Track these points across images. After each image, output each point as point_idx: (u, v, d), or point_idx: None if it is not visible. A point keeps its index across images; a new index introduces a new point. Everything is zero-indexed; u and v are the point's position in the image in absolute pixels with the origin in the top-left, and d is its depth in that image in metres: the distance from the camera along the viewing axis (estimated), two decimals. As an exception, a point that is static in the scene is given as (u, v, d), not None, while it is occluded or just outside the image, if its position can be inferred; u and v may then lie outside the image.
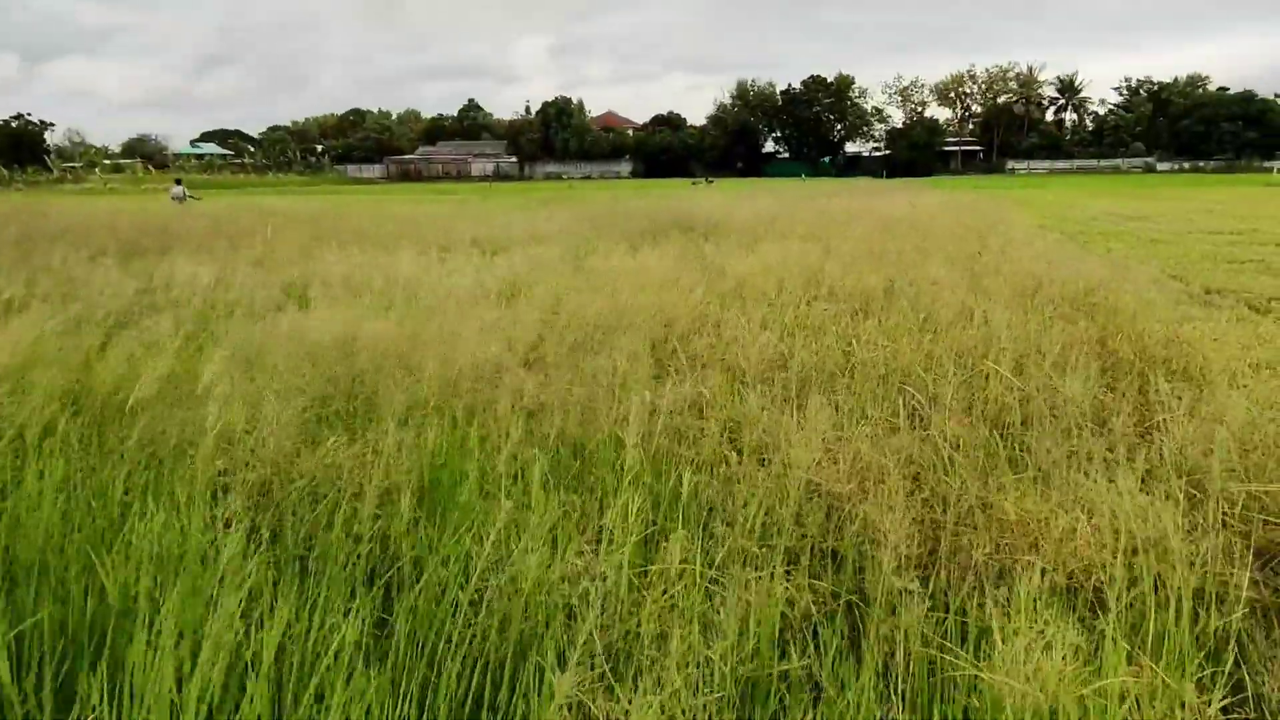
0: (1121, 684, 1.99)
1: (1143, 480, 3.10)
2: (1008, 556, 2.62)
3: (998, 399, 3.97)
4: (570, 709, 1.70)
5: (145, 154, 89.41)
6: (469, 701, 1.82)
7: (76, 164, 77.46)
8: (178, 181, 29.62)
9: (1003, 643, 2.08)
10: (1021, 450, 3.42)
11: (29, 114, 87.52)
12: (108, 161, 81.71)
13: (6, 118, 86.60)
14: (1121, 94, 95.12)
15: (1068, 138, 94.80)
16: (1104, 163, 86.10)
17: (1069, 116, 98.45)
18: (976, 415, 3.80)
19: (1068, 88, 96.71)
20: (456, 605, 1.99)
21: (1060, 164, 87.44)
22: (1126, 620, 2.35)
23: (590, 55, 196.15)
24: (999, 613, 2.27)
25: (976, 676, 2.05)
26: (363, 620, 1.83)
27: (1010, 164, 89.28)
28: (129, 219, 15.00)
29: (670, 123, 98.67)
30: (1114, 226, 16.89)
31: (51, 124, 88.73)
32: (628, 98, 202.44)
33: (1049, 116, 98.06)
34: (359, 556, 2.28)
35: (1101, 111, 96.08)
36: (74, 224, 13.82)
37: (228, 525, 2.41)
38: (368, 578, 2.27)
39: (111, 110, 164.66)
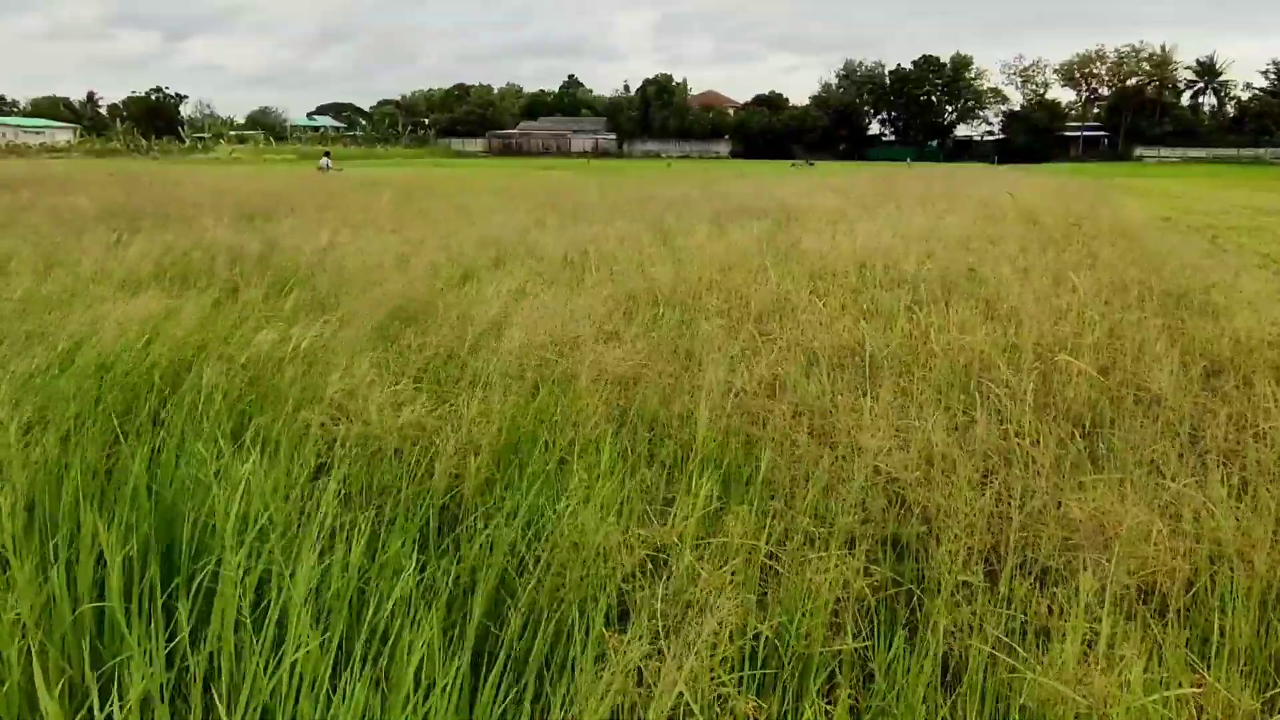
0: (1181, 695, 1.94)
1: (1239, 492, 2.96)
2: (1076, 556, 2.57)
3: (1085, 397, 3.84)
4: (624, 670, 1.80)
5: (267, 126, 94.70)
6: (530, 655, 1.95)
7: (205, 134, 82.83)
8: (327, 153, 31.08)
9: (1060, 644, 2.05)
10: (1106, 450, 3.31)
11: (166, 87, 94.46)
12: (233, 133, 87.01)
13: (147, 90, 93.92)
14: (1269, 77, 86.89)
15: (1205, 124, 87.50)
16: (1244, 152, 79.14)
17: (1207, 101, 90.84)
18: (1057, 411, 3.68)
19: (1206, 70, 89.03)
20: (523, 563, 2.13)
21: (1194, 152, 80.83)
22: (1195, 630, 2.28)
23: (690, 34, 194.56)
24: (1060, 613, 2.24)
25: (1031, 677, 2.03)
26: (425, 568, 2.00)
27: (1139, 150, 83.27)
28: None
29: (771, 103, 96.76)
30: (1249, 221, 15.59)
31: (185, 96, 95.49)
32: (727, 77, 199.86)
33: (1184, 101, 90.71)
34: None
35: (1244, 96, 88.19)
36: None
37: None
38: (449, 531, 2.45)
39: (235, 84, 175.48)
